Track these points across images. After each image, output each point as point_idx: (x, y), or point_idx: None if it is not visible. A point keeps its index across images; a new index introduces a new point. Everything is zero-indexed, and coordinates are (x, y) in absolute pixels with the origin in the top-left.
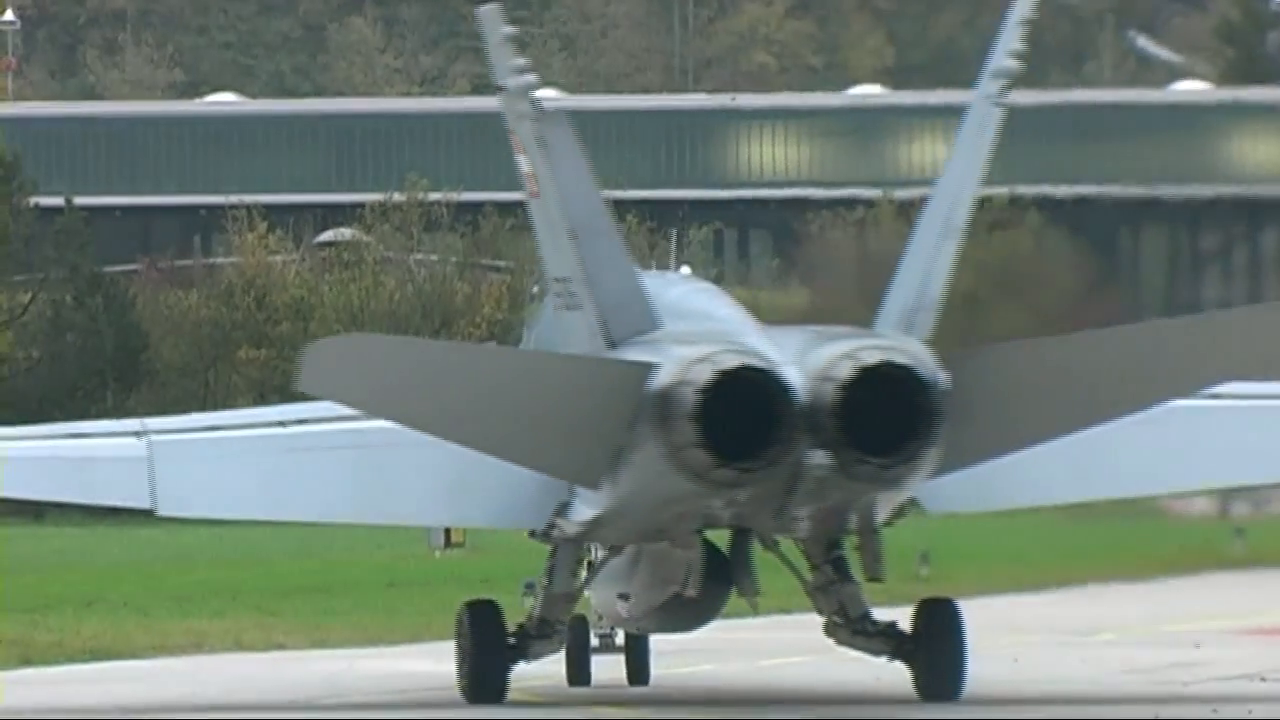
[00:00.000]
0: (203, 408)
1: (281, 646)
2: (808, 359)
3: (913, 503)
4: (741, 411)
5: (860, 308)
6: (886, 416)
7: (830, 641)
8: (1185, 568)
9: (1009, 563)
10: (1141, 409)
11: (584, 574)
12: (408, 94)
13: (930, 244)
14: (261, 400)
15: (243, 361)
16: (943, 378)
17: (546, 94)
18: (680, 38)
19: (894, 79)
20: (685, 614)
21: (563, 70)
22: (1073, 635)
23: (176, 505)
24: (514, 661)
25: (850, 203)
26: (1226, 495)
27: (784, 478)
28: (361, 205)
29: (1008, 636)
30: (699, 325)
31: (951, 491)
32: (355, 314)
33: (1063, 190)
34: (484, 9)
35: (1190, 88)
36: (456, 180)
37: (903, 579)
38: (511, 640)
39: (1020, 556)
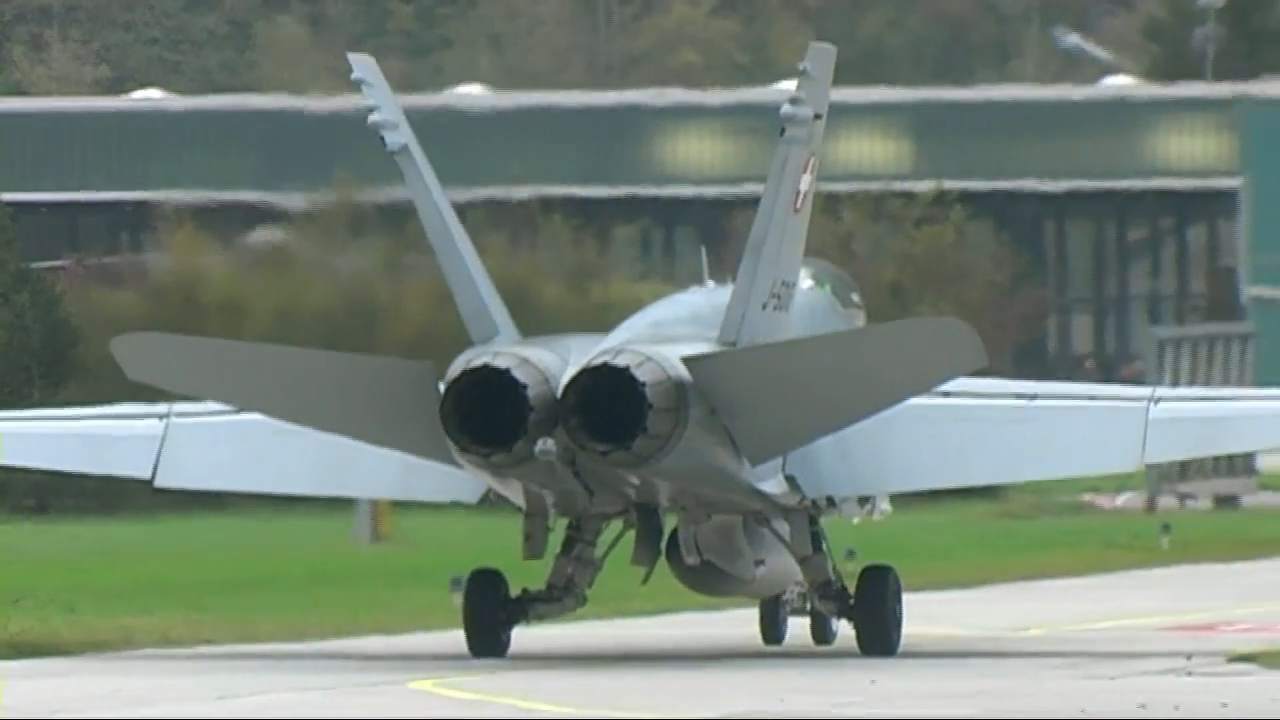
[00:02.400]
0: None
1: (210, 641)
2: (571, 363)
3: (831, 502)
4: (485, 405)
5: None
6: (607, 410)
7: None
8: (1112, 564)
9: (936, 560)
10: (867, 414)
11: (579, 548)
12: (335, 92)
13: (745, 263)
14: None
15: None
16: (675, 377)
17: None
18: (606, 35)
19: None
20: (689, 579)
21: (489, 68)
22: (1001, 631)
23: (172, 478)
24: (514, 622)
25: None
26: (1154, 491)
27: (524, 463)
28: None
29: (939, 630)
30: (554, 334)
31: (827, 476)
32: (284, 314)
33: (988, 185)
34: (357, 58)
35: (1117, 84)
36: (385, 179)
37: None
38: (515, 604)
39: (948, 554)
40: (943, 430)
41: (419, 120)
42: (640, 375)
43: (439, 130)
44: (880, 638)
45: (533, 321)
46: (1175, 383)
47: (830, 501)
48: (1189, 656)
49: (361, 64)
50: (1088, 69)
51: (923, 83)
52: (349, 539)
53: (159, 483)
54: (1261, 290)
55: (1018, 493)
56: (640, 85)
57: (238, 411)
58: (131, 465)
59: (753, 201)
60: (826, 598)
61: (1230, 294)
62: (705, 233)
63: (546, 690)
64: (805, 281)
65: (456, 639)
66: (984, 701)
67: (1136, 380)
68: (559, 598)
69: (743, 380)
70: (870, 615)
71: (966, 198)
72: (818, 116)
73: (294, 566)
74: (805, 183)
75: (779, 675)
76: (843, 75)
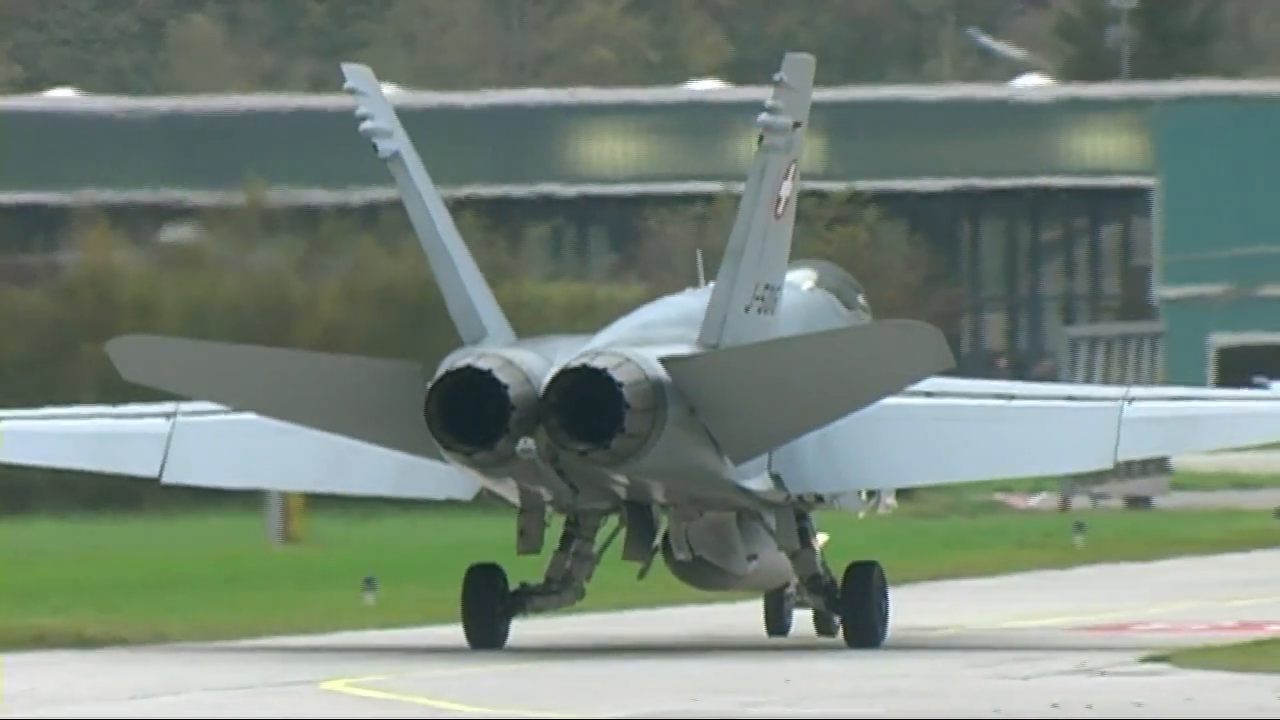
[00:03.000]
0: (48, 403)
1: (123, 641)
2: (555, 364)
3: (819, 499)
4: (468, 404)
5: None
6: (586, 410)
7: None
8: (1025, 563)
9: (849, 559)
10: (845, 412)
11: (577, 544)
12: (248, 92)
13: (724, 267)
14: (106, 397)
15: (87, 358)
16: (653, 377)
17: (387, 91)
18: (519, 34)
19: (732, 75)
20: (682, 574)
21: (403, 68)
22: (913, 630)
23: (178, 474)
24: (511, 615)
25: (689, 198)
26: (1067, 491)
27: (507, 461)
28: (200, 203)
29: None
30: (545, 335)
31: (810, 473)
32: (196, 313)
33: (902, 185)
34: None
35: (1030, 84)
36: (296, 179)
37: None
38: (512, 597)
39: (861, 553)
40: (924, 429)
41: (333, 121)
42: (618, 376)
43: (352, 130)
44: (865, 630)
45: (445, 322)
46: (1088, 382)
47: (819, 498)
48: (1104, 673)
49: (355, 73)
50: (1001, 69)
51: (835, 83)
52: (266, 539)
53: (166, 479)
54: (1173, 290)
55: (930, 492)
56: (553, 84)
57: (235, 411)
58: (139, 464)
59: (664, 200)
60: (815, 591)
61: (1142, 293)
62: (617, 232)
63: (460, 689)
64: (807, 283)
65: (369, 638)
66: (896, 701)
67: (1047, 378)
68: (557, 591)
69: (720, 380)
70: (856, 609)
71: (880, 198)
72: (797, 125)
73: (206, 566)
74: (787, 189)
75: (696, 673)
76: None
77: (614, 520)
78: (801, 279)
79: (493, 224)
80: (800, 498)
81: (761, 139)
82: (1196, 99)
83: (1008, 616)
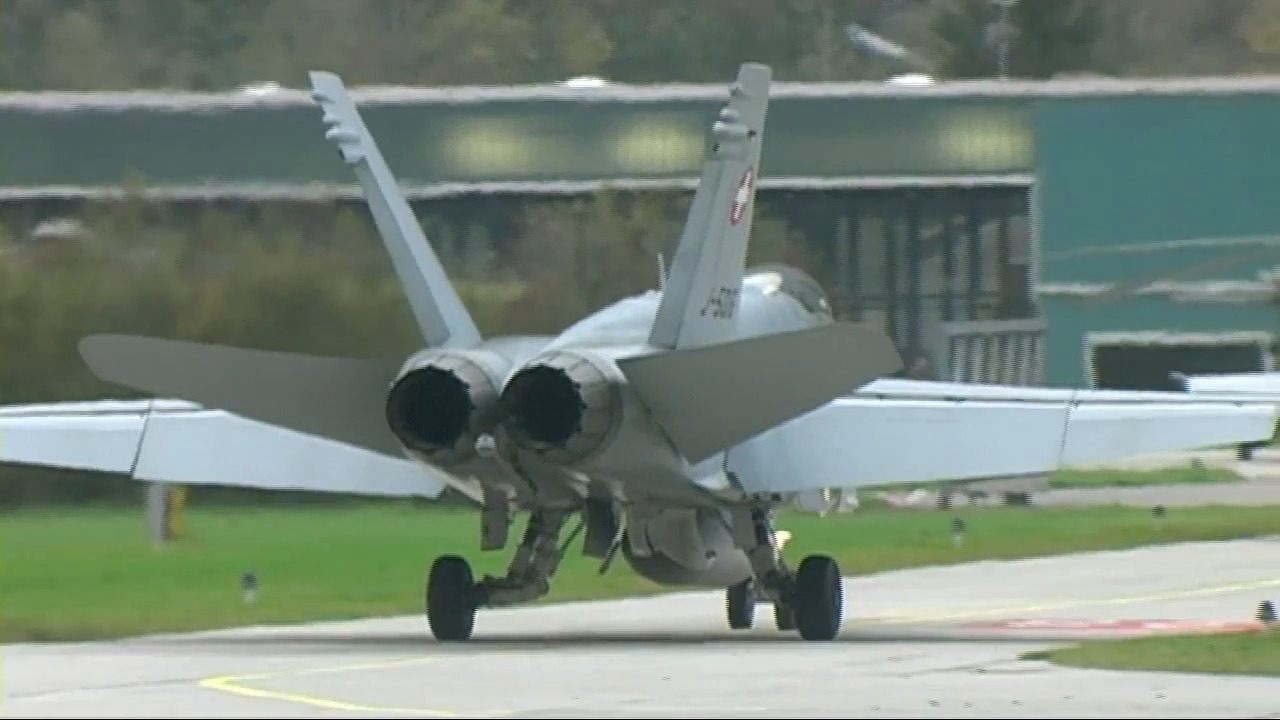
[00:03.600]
0: None
1: (2, 640)
2: (515, 365)
3: (776, 497)
4: (429, 403)
5: (576, 299)
6: (543, 410)
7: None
8: (905, 561)
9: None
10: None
11: (540, 539)
12: (127, 90)
13: (676, 271)
14: None
15: None
16: (609, 378)
17: (266, 90)
18: (399, 33)
19: (612, 72)
20: (642, 569)
21: (282, 66)
22: (792, 629)
23: (151, 470)
24: (476, 607)
25: (568, 196)
26: (946, 489)
27: (467, 459)
28: (80, 200)
29: (727, 629)
30: (506, 337)
31: (765, 472)
32: (76, 310)
33: (780, 183)
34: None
35: (909, 82)
36: (176, 176)
37: (621, 572)
38: (476, 589)
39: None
40: (876, 429)
41: (213, 119)
42: (575, 377)
43: (233, 129)
44: (820, 623)
45: (326, 319)
46: (966, 379)
47: (776, 496)
48: (982, 671)
49: (323, 81)
50: (880, 66)
51: (714, 80)
52: (146, 537)
53: (138, 474)
54: (1052, 288)
55: None
56: (432, 83)
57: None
58: (112, 459)
59: (544, 198)
60: (771, 586)
61: (1021, 291)
62: (496, 229)
63: (343, 687)
64: (769, 287)
65: (249, 636)
66: (776, 699)
67: (925, 376)
68: (520, 585)
69: (674, 381)
70: (810, 602)
71: (758, 196)
72: (752, 133)
73: (86, 564)
74: (743, 195)
75: (579, 670)
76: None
77: (578, 517)
78: (764, 283)
79: (371, 223)
80: (757, 496)
81: (717, 146)
82: (1075, 97)
83: (887, 614)
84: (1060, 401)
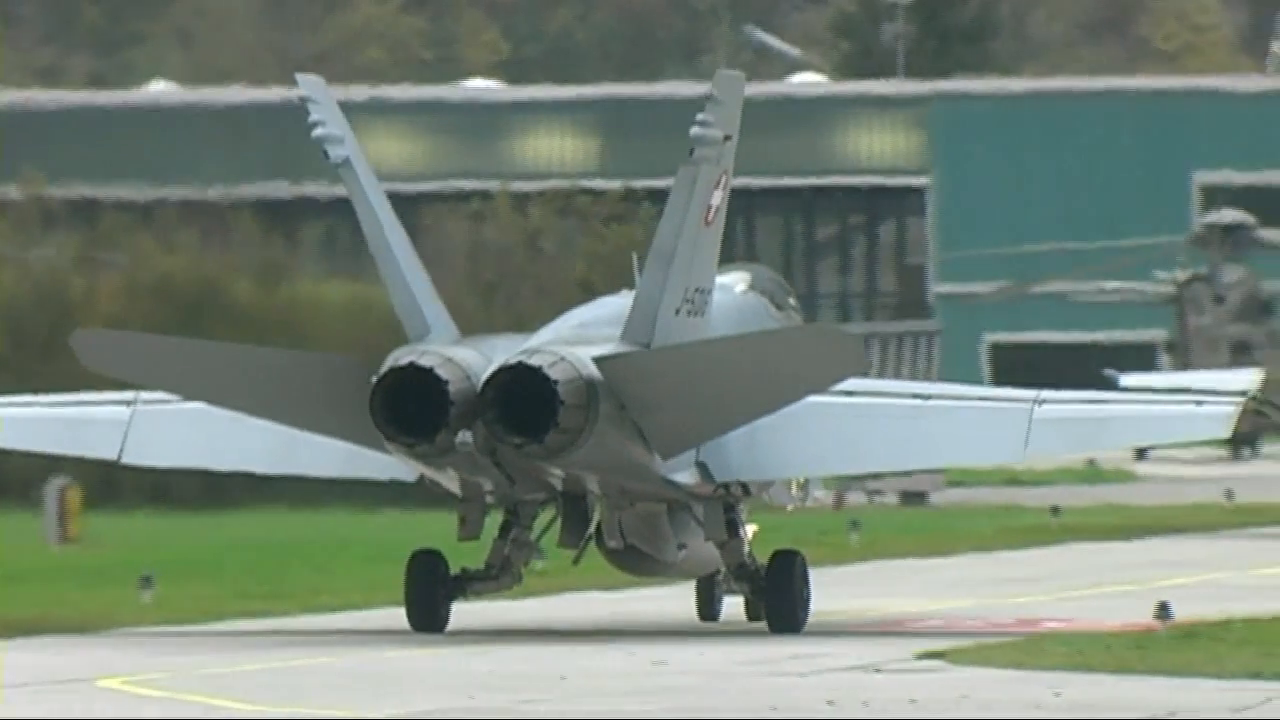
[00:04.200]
0: None
1: None
2: (493, 362)
3: (746, 490)
4: (410, 399)
5: (473, 299)
6: (522, 406)
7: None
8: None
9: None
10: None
11: (515, 531)
12: (24, 87)
13: (650, 270)
14: None
15: None
16: (586, 375)
17: (163, 88)
18: (295, 32)
19: (508, 73)
20: (615, 561)
21: (179, 65)
22: (689, 626)
23: (137, 456)
24: (453, 599)
25: (465, 195)
26: (842, 489)
27: (447, 453)
28: None
29: (631, 628)
30: (484, 335)
31: (735, 462)
32: None
33: None
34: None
35: (806, 80)
36: (74, 174)
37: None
38: (452, 581)
39: None
40: (843, 423)
41: (110, 118)
42: (553, 374)
43: (129, 127)
44: (788, 616)
45: (223, 320)
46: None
47: (746, 490)
48: (879, 670)
49: (309, 83)
50: (777, 65)
51: (611, 79)
52: (42, 539)
53: (125, 460)
54: (948, 287)
55: None
56: (328, 82)
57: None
58: (100, 447)
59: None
60: (741, 579)
61: (918, 291)
62: None
63: (239, 687)
64: (740, 286)
65: (145, 636)
66: (673, 699)
67: None
68: (496, 576)
69: (649, 379)
70: (779, 595)
71: (655, 195)
72: (727, 138)
73: None
74: (717, 198)
75: (474, 669)
76: (530, 72)
77: (552, 509)
78: (735, 282)
79: (269, 223)
80: (728, 489)
81: (693, 151)
82: (972, 96)
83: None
84: (1024, 400)
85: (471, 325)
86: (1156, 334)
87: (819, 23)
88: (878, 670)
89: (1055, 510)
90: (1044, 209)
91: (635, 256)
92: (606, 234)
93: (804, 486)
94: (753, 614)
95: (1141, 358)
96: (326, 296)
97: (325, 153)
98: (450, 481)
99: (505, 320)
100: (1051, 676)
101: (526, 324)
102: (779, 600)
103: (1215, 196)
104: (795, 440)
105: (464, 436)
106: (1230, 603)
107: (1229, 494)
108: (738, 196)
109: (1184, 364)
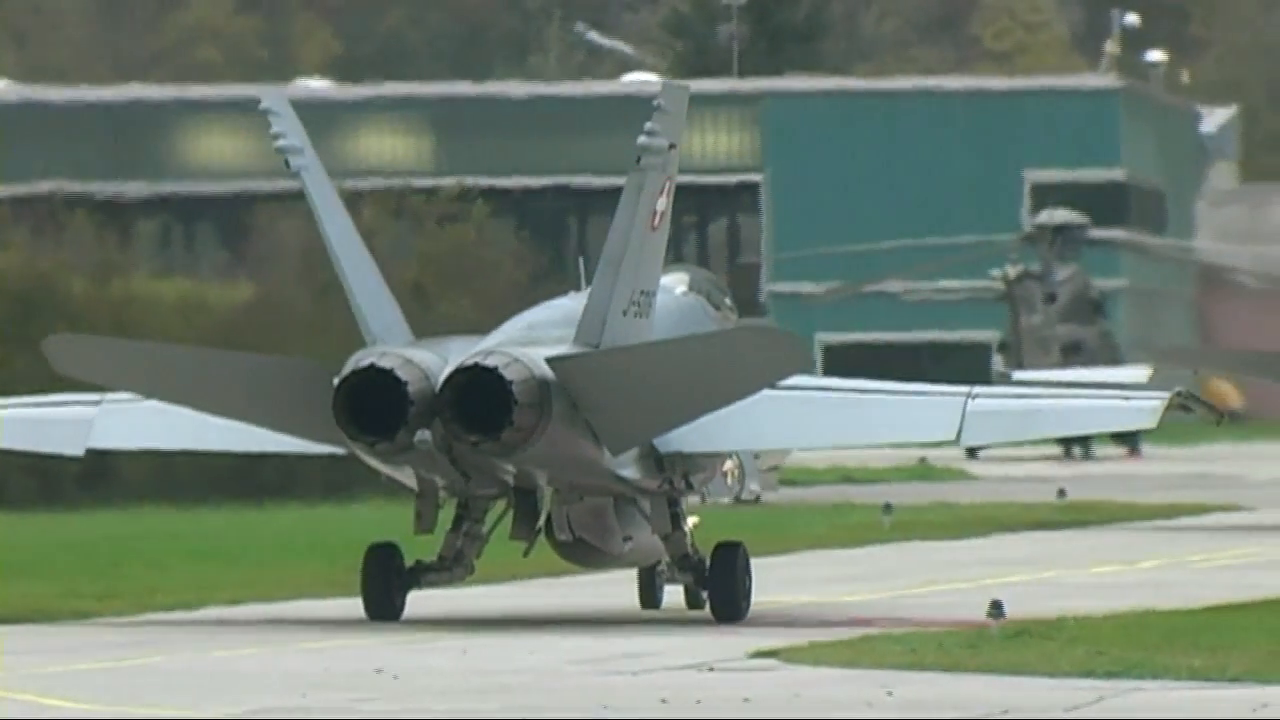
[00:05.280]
0: None
1: None
2: (450, 363)
3: (689, 485)
4: (370, 398)
5: (305, 298)
6: (477, 405)
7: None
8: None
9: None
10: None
11: (468, 525)
12: None
13: (600, 274)
14: None
15: None
16: (539, 375)
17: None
18: (130, 31)
19: (341, 72)
20: (567, 554)
21: (13, 63)
22: (523, 625)
23: (104, 439)
24: (407, 589)
25: (298, 195)
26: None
27: (406, 451)
28: None
29: (463, 627)
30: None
31: (678, 436)
32: None
33: (510, 181)
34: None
35: (639, 80)
36: None
37: (351, 569)
38: (408, 573)
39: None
40: (785, 404)
41: None
42: (507, 374)
43: None
44: (730, 605)
45: (57, 315)
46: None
47: (689, 484)
48: (712, 669)
49: (270, 95)
50: (610, 65)
51: (443, 78)
52: None
53: (91, 444)
54: (781, 286)
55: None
56: (163, 81)
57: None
58: (65, 444)
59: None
60: (685, 570)
61: (751, 290)
62: (226, 229)
63: (71, 686)
64: (679, 287)
65: None
66: (506, 698)
67: None
68: (449, 567)
69: (600, 378)
70: (721, 586)
71: (488, 194)
72: (672, 146)
73: None
74: (662, 204)
75: (307, 669)
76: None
77: (503, 503)
78: (675, 283)
79: (103, 220)
80: (672, 485)
81: (639, 159)
82: (804, 96)
83: (617, 613)
84: (958, 395)
85: (305, 327)
86: (990, 334)
87: (652, 22)
88: (711, 669)
89: (888, 508)
90: (877, 208)
91: (581, 260)
92: (440, 234)
93: (740, 480)
94: (693, 603)
95: (974, 357)
96: (162, 295)
97: (286, 162)
98: (407, 478)
99: (340, 321)
100: (884, 675)
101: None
102: (722, 590)
103: (1046, 196)
104: (741, 417)
105: (422, 435)
106: (1062, 601)
107: (1061, 493)
108: (572, 195)
109: (1016, 363)
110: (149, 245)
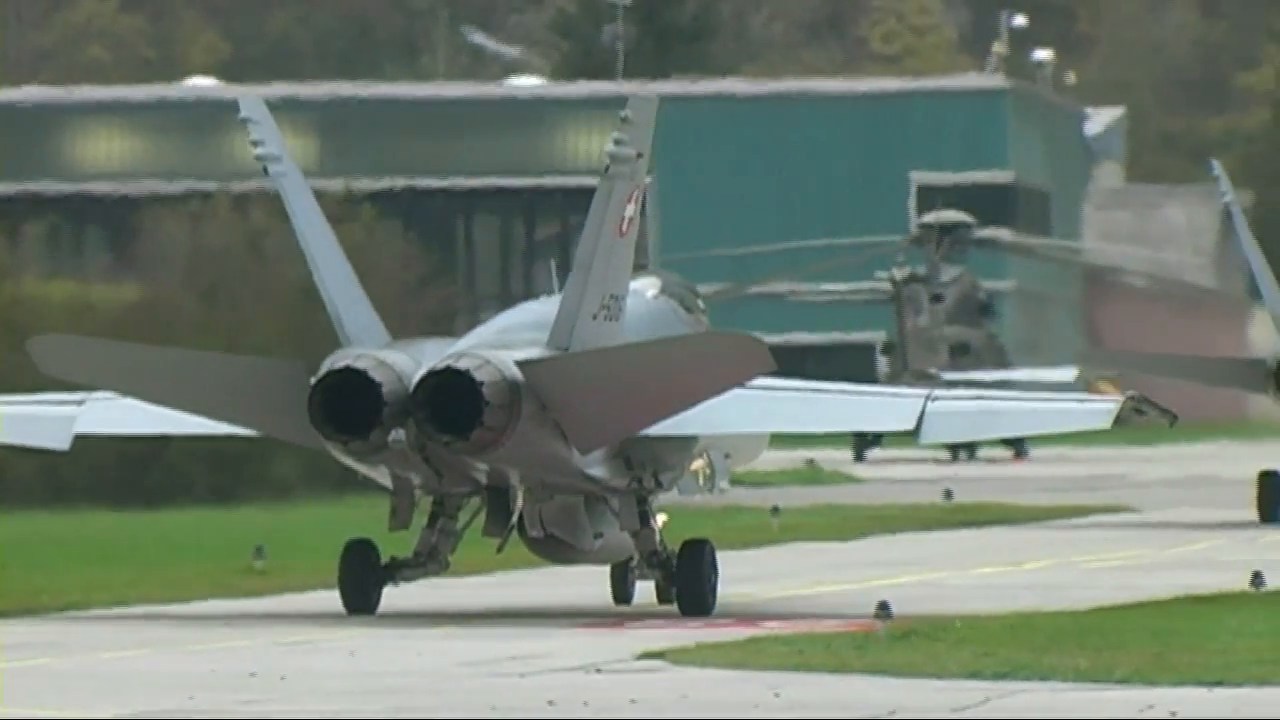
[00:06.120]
0: None
1: None
2: (423, 365)
3: (659, 484)
4: (345, 398)
5: (192, 299)
6: (449, 406)
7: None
8: (526, 561)
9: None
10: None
11: (442, 521)
12: None
13: (572, 279)
14: None
15: None
16: (509, 377)
17: None
18: (16, 31)
19: (228, 72)
20: (536, 549)
21: None
22: (410, 627)
23: (91, 426)
24: (383, 585)
25: (185, 196)
26: None
27: (380, 450)
28: None
29: (349, 629)
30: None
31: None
32: None
33: (397, 183)
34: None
35: (525, 82)
36: None
37: (237, 572)
38: (384, 569)
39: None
40: (749, 397)
41: None
42: (479, 376)
43: None
44: (698, 599)
45: None
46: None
47: (658, 483)
48: (599, 670)
49: (248, 103)
50: (496, 66)
51: (332, 78)
52: None
53: (77, 430)
54: None
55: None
56: (49, 81)
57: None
58: (50, 438)
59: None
60: (653, 565)
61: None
62: (113, 230)
63: None
64: (651, 291)
65: None
66: (392, 699)
67: None
68: (424, 563)
69: (568, 381)
70: (689, 581)
71: (375, 196)
72: (639, 155)
73: None
74: (630, 211)
75: (195, 670)
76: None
77: (477, 500)
78: (647, 287)
79: None
80: (641, 483)
81: (608, 168)
82: (690, 98)
83: (505, 614)
84: (919, 396)
85: (190, 328)
86: (875, 335)
87: (538, 23)
88: (598, 670)
89: (775, 510)
90: (764, 210)
91: (553, 264)
92: None
93: (710, 479)
94: (663, 598)
95: (860, 358)
96: (49, 296)
97: (265, 169)
98: (383, 476)
99: (226, 324)
100: (771, 676)
101: (247, 328)
102: (690, 585)
103: (933, 197)
104: (710, 406)
105: (396, 434)
106: (949, 602)
107: (947, 494)
108: (459, 196)
109: (903, 365)
110: (36, 247)
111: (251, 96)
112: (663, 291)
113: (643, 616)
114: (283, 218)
